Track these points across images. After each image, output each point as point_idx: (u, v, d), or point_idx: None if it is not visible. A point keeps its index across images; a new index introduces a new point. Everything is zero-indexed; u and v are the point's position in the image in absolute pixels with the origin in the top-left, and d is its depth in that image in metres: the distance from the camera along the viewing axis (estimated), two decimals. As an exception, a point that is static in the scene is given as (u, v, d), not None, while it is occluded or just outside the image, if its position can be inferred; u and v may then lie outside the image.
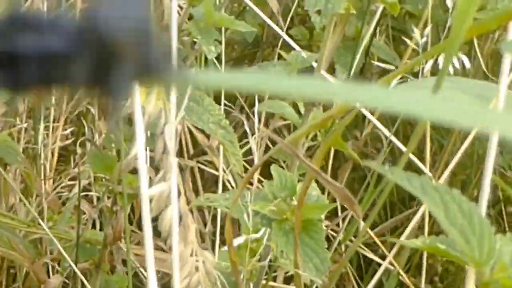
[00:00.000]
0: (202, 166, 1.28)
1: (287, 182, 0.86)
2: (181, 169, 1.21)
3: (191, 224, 0.53)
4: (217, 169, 1.16)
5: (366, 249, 1.21)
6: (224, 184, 1.12)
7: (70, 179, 1.15)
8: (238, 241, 0.79)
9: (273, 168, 0.87)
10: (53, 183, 1.15)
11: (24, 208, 1.10)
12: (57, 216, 1.14)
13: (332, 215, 1.22)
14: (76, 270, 1.01)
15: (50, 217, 1.15)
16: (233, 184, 1.09)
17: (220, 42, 0.86)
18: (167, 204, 0.44)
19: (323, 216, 0.85)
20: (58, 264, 1.09)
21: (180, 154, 1.24)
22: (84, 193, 1.14)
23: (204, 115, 0.91)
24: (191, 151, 1.28)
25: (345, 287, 1.27)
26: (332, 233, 1.20)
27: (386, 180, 0.89)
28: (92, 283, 1.06)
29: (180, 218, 0.48)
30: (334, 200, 1.07)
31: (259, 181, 1.03)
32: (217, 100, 1.05)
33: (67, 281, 1.06)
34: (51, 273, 1.09)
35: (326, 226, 1.07)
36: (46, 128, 1.17)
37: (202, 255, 0.46)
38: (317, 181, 0.89)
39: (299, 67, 0.92)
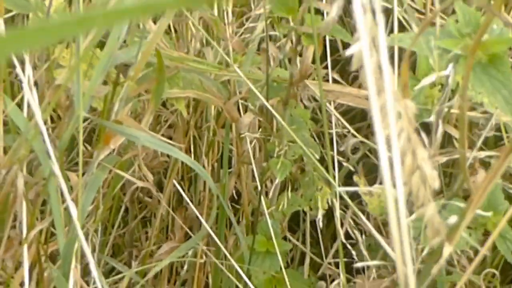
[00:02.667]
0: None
1: (471, 18, 0.88)
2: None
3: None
4: None
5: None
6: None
7: (251, 22, 1.20)
8: (427, 80, 0.83)
9: (457, 5, 0.89)
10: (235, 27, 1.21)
11: (211, 53, 1.17)
12: (242, 58, 1.20)
13: None
14: (268, 105, 1.08)
15: (235, 59, 1.21)
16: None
17: None
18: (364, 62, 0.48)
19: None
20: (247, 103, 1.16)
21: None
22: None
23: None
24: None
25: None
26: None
27: None
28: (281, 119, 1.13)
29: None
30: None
31: (442, 19, 1.04)
32: None
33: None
34: (241, 112, 1.17)
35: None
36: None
37: (402, 104, 0.50)
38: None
39: None
